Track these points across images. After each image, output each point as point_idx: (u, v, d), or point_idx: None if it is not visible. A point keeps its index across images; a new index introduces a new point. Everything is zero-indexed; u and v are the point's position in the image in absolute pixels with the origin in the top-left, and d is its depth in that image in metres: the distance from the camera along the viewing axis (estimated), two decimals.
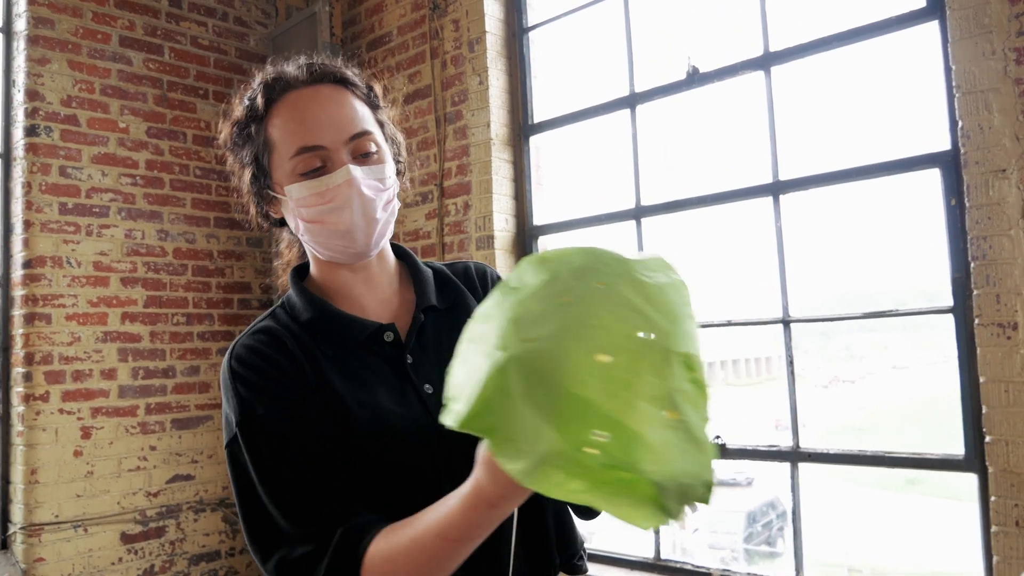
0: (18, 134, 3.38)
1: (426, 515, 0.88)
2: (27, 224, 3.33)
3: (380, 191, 1.06)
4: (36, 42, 3.38)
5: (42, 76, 3.39)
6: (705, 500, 0.64)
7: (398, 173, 1.15)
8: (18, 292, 3.35)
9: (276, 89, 1.07)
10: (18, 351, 3.33)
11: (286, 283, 1.17)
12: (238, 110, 1.11)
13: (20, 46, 3.40)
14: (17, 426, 3.31)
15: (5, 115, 3.45)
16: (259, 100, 1.07)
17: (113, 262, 3.58)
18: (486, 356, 0.68)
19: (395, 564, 0.87)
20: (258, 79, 1.11)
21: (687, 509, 0.64)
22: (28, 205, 3.34)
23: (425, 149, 3.58)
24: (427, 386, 1.06)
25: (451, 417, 0.70)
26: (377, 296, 1.13)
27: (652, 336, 0.66)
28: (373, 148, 1.07)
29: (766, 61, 2.70)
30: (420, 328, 1.11)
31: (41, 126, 3.38)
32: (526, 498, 0.79)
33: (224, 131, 1.14)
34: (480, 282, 1.23)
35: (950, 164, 2.29)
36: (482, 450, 0.77)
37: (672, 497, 0.62)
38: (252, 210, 1.15)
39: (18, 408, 3.31)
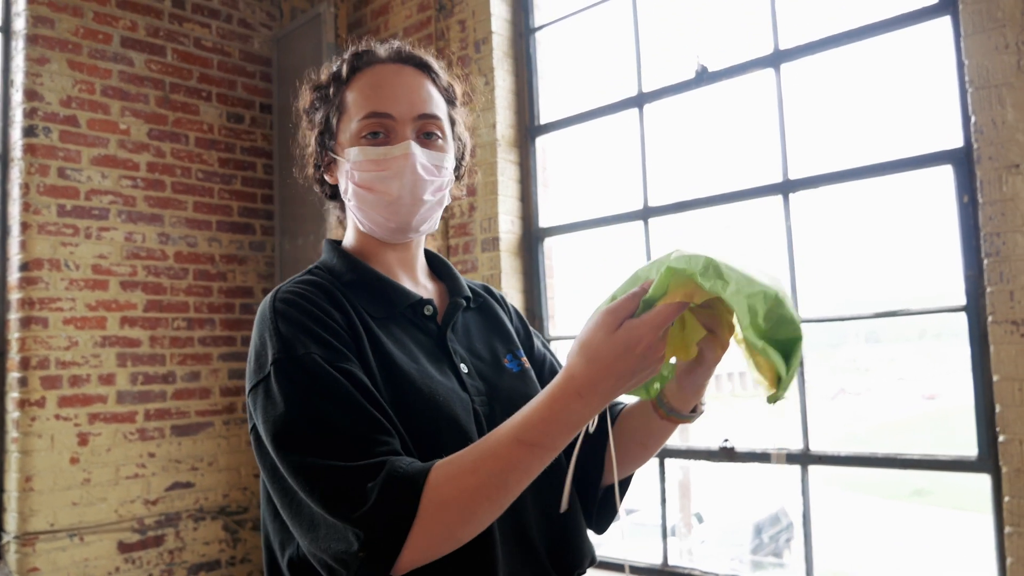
0: (16, 134, 3.35)
1: (497, 429, 0.87)
2: (24, 226, 3.29)
3: (434, 176, 1.09)
4: (35, 41, 3.35)
5: (41, 76, 3.36)
6: (783, 393, 0.85)
7: (458, 175, 1.20)
8: (15, 295, 3.30)
9: (363, 60, 1.12)
10: (14, 355, 3.28)
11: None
12: (323, 75, 1.15)
13: (19, 45, 3.37)
14: (12, 432, 3.26)
15: (3, 115, 3.41)
16: (344, 67, 1.12)
17: (112, 265, 3.54)
18: (702, 254, 0.86)
19: (460, 481, 0.84)
20: (348, 50, 1.16)
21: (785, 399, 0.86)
22: (26, 207, 3.30)
23: None
24: (463, 365, 1.08)
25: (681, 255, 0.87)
26: (411, 278, 1.16)
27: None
28: (438, 133, 1.10)
29: (776, 59, 2.66)
30: (454, 312, 1.14)
31: (40, 127, 3.35)
32: (610, 397, 0.84)
33: (305, 97, 1.18)
34: (500, 301, 1.30)
35: (963, 160, 2.25)
36: (583, 333, 0.85)
37: (788, 380, 0.84)
38: (310, 171, 1.19)
39: (13, 414, 3.26)
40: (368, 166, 1.06)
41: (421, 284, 1.17)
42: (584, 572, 1.10)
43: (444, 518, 0.84)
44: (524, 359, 1.18)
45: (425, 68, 1.13)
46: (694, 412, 1.06)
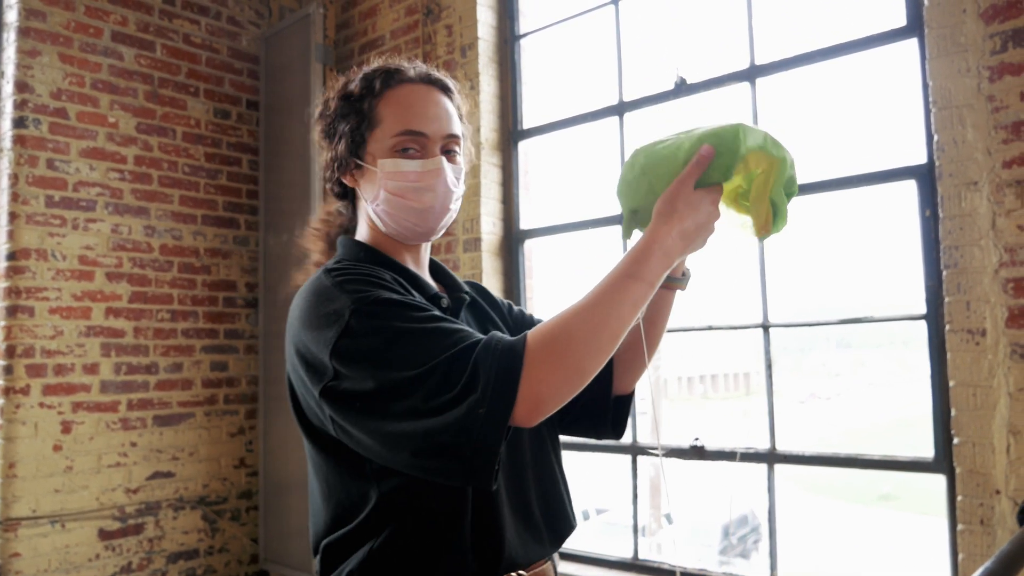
0: (6, 125, 3.38)
1: (601, 279, 1.01)
2: (12, 216, 3.33)
3: (456, 188, 1.23)
4: (27, 34, 3.38)
5: (32, 68, 3.40)
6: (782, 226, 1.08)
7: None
8: (1, 284, 3.34)
9: (395, 77, 1.22)
10: None
11: (308, 245, 1.34)
12: (352, 84, 1.24)
13: (11, 37, 3.40)
14: None
15: None
16: (377, 81, 1.22)
17: (99, 256, 3.58)
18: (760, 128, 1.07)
19: (584, 314, 0.96)
20: (375, 65, 1.25)
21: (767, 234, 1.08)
22: (14, 197, 3.34)
23: None
24: None
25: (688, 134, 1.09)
26: (422, 275, 1.28)
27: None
28: (457, 150, 1.24)
29: (752, 73, 2.77)
30: (460, 306, 1.28)
31: (30, 118, 3.39)
32: (691, 241, 1.03)
33: (332, 101, 1.26)
34: (486, 296, 1.42)
35: (926, 176, 2.35)
36: (668, 193, 1.03)
37: (781, 217, 1.07)
38: (327, 173, 1.29)
39: None
40: (403, 177, 1.17)
41: (429, 282, 1.28)
42: (568, 537, 1.26)
43: (574, 348, 0.94)
44: None
45: (447, 91, 1.26)
46: (684, 276, 1.24)
